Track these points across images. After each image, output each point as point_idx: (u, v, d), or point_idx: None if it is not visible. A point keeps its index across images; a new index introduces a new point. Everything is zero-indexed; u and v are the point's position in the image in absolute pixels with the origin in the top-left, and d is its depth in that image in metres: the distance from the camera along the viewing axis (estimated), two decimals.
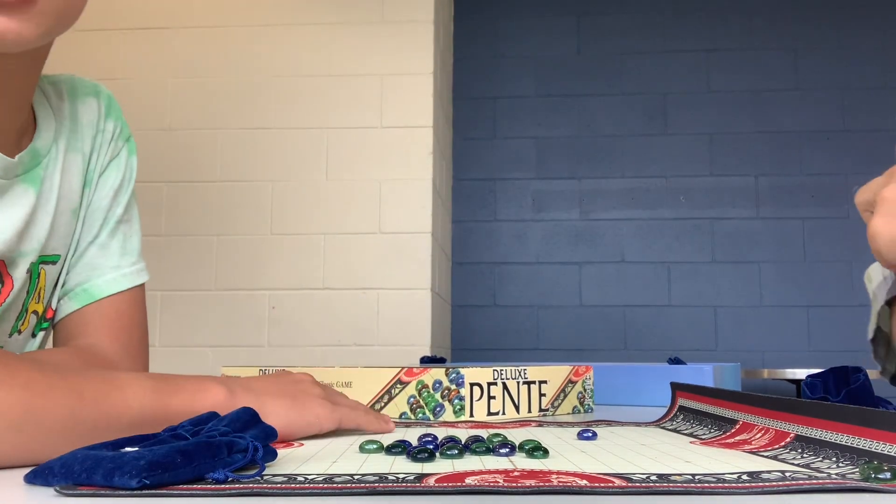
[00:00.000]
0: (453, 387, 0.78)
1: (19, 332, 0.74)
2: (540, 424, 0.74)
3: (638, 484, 0.38)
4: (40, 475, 0.39)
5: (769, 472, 0.41)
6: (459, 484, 0.38)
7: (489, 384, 0.80)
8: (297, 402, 0.60)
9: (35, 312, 0.75)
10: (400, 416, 0.79)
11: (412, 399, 0.79)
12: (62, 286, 0.78)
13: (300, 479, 0.40)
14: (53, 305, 0.78)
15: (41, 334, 0.78)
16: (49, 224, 0.72)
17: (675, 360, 1.24)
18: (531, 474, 0.41)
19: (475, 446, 0.52)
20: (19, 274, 0.71)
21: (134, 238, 0.83)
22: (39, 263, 0.73)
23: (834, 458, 0.44)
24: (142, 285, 0.82)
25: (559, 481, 0.39)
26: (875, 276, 0.78)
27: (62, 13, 0.61)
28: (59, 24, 0.62)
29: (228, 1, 2.56)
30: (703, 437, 0.60)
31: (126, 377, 0.53)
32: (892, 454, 0.40)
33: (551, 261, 3.26)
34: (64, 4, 0.61)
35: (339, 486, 0.38)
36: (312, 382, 0.66)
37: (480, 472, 0.42)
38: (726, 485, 0.37)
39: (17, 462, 0.46)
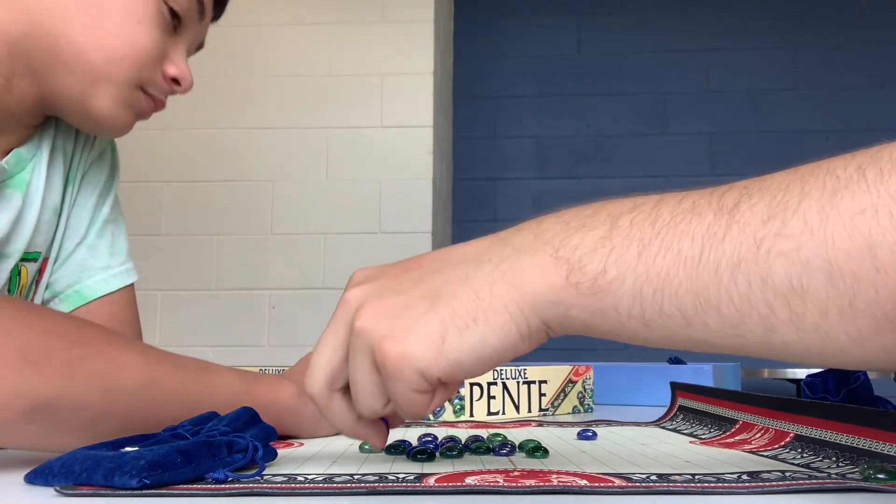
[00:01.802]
0: None
1: None
2: (540, 424, 0.74)
3: (638, 484, 0.38)
4: (40, 475, 0.39)
5: (769, 471, 0.41)
6: (459, 484, 0.38)
7: (489, 384, 0.80)
8: None
9: None
10: None
11: None
12: (48, 287, 0.78)
13: (300, 479, 0.40)
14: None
15: None
16: (34, 224, 0.73)
17: (675, 360, 1.24)
18: (531, 474, 0.41)
19: (475, 446, 0.52)
20: (3, 275, 0.71)
21: (122, 238, 0.83)
22: (20, 262, 0.73)
23: (834, 458, 0.44)
24: (132, 285, 0.82)
25: (559, 481, 0.39)
26: None
27: None
28: None
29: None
30: (703, 436, 0.60)
31: (215, 365, 0.58)
32: (892, 454, 0.40)
33: None
34: None
35: (339, 486, 0.38)
36: None
37: (480, 472, 0.42)
38: (726, 485, 0.37)
39: (138, 426, 0.48)
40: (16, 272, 0.73)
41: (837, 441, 0.45)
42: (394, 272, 0.42)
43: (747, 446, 0.52)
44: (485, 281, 0.38)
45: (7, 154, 0.71)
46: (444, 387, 0.40)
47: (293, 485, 0.38)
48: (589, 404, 0.94)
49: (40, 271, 0.77)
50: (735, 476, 0.40)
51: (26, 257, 0.74)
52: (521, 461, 0.48)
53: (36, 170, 0.73)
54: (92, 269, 0.79)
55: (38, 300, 0.77)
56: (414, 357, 0.37)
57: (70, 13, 0.65)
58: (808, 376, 0.73)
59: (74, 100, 0.68)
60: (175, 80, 0.72)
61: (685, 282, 0.34)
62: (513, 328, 0.37)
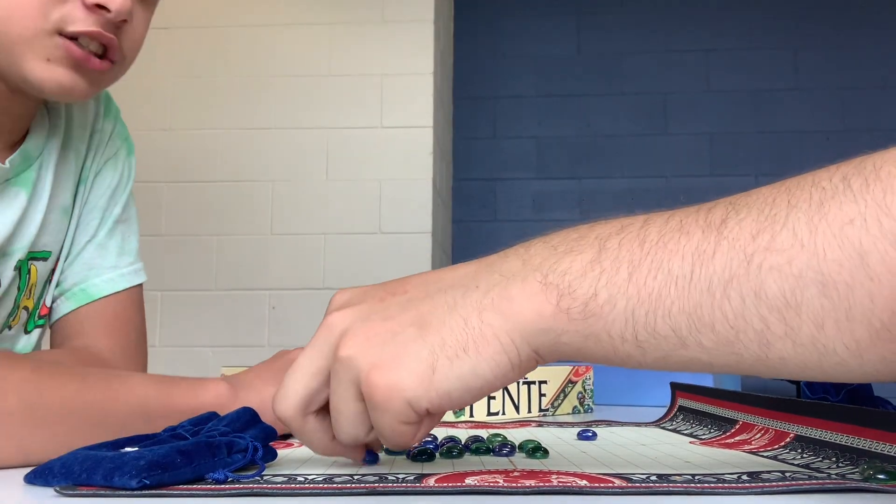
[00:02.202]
0: None
1: (10, 327, 0.74)
2: (540, 424, 0.74)
3: (638, 484, 0.38)
4: (40, 475, 0.39)
5: (769, 472, 0.41)
6: (459, 484, 0.38)
7: None
8: None
9: (26, 308, 0.75)
10: None
11: None
12: (57, 285, 0.78)
13: (300, 479, 0.40)
14: (48, 303, 0.77)
15: (37, 331, 0.77)
16: (39, 221, 0.72)
17: None
18: (531, 474, 0.41)
19: (475, 446, 0.52)
20: (7, 272, 0.71)
21: (132, 238, 0.83)
22: (29, 260, 0.73)
23: (834, 458, 0.44)
24: (140, 286, 0.82)
25: (559, 481, 0.39)
26: None
27: (119, 75, 0.68)
28: (112, 82, 0.68)
29: (228, 1, 2.56)
30: (702, 437, 0.60)
31: (127, 372, 0.55)
32: (892, 454, 0.40)
33: None
34: (124, 69, 0.67)
35: (339, 486, 0.38)
36: None
37: (480, 473, 0.42)
38: (726, 485, 0.37)
39: (36, 446, 0.46)
40: (25, 270, 0.73)
41: (837, 441, 0.45)
42: (379, 295, 0.41)
43: (747, 446, 0.52)
44: (474, 308, 0.37)
45: (15, 147, 0.70)
46: (431, 416, 0.39)
47: (293, 485, 0.38)
48: (589, 405, 0.94)
49: (53, 270, 0.77)
50: (735, 476, 0.40)
51: (35, 256, 0.74)
52: (521, 461, 0.48)
53: (44, 167, 0.73)
54: (100, 267, 0.79)
55: (48, 299, 0.77)
56: (403, 388, 0.37)
57: None
58: None
59: (12, 74, 0.63)
60: (101, 7, 0.62)
61: (677, 301, 0.34)
62: (503, 358, 0.37)
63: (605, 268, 0.35)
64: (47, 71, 0.62)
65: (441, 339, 0.37)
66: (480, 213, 3.32)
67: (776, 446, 0.50)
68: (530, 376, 0.85)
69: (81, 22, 0.62)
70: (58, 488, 0.37)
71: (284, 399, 0.41)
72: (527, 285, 0.37)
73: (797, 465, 0.44)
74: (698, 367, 0.35)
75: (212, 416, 0.47)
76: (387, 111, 2.49)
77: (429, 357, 0.37)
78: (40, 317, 0.77)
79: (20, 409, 0.46)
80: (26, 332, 0.76)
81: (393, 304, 0.40)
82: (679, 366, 0.36)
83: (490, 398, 0.80)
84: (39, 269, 0.75)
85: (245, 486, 0.37)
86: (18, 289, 0.73)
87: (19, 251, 0.71)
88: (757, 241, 0.32)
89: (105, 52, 0.65)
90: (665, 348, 0.35)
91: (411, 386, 0.37)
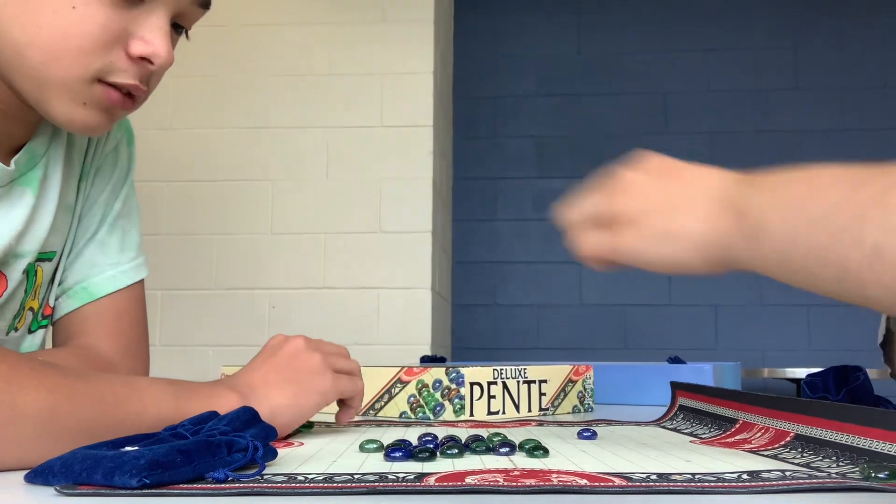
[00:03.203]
0: (453, 386, 0.78)
1: (16, 329, 0.74)
2: (540, 424, 0.74)
3: (638, 483, 0.38)
4: (40, 474, 0.39)
5: (769, 471, 0.41)
6: (460, 483, 0.38)
7: (489, 383, 0.80)
8: (302, 388, 0.62)
9: (31, 309, 0.75)
10: (400, 416, 0.79)
11: (412, 398, 0.79)
12: (59, 284, 0.77)
13: (300, 478, 0.40)
14: (51, 302, 0.77)
15: (41, 332, 0.77)
16: (49, 223, 0.72)
17: (675, 360, 1.24)
18: (531, 474, 0.41)
19: (475, 445, 0.52)
20: (15, 274, 0.70)
21: (133, 232, 0.82)
22: (36, 261, 0.73)
23: (834, 458, 0.44)
24: (141, 281, 0.81)
25: (559, 480, 0.39)
26: None
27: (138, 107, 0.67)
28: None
29: (228, 1, 2.56)
30: (703, 436, 0.60)
31: (146, 382, 0.54)
32: (892, 454, 0.40)
33: (551, 260, 3.26)
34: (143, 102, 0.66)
35: (340, 485, 0.38)
36: (308, 350, 0.65)
37: (480, 472, 0.42)
38: (726, 484, 0.37)
39: (41, 458, 0.45)
40: (32, 272, 0.72)
41: (837, 440, 0.45)
42: (667, 172, 0.61)
43: (747, 446, 0.52)
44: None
45: (19, 148, 0.69)
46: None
47: (293, 484, 0.38)
48: (589, 404, 0.94)
49: (56, 269, 0.77)
50: (735, 475, 0.40)
51: (42, 257, 0.73)
52: (522, 461, 0.48)
53: (51, 165, 0.72)
54: (101, 265, 0.78)
55: (51, 298, 0.77)
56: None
57: (8, 10, 0.59)
58: (809, 376, 0.73)
59: (35, 104, 0.63)
60: (145, 59, 0.62)
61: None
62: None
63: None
64: (79, 114, 0.62)
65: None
66: (480, 213, 3.32)
67: (776, 445, 0.50)
68: (530, 376, 0.85)
69: (123, 74, 0.62)
70: (58, 487, 0.37)
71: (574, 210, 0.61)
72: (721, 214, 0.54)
73: (797, 465, 0.44)
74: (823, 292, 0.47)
75: (212, 415, 0.47)
76: (387, 111, 2.49)
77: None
78: (44, 317, 0.77)
79: (45, 419, 0.46)
80: (30, 332, 0.76)
81: (669, 186, 0.59)
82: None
83: (490, 397, 0.80)
84: (45, 269, 0.74)
85: (245, 485, 0.38)
86: (25, 291, 0.73)
87: (30, 254, 0.70)
88: None
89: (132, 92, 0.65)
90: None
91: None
